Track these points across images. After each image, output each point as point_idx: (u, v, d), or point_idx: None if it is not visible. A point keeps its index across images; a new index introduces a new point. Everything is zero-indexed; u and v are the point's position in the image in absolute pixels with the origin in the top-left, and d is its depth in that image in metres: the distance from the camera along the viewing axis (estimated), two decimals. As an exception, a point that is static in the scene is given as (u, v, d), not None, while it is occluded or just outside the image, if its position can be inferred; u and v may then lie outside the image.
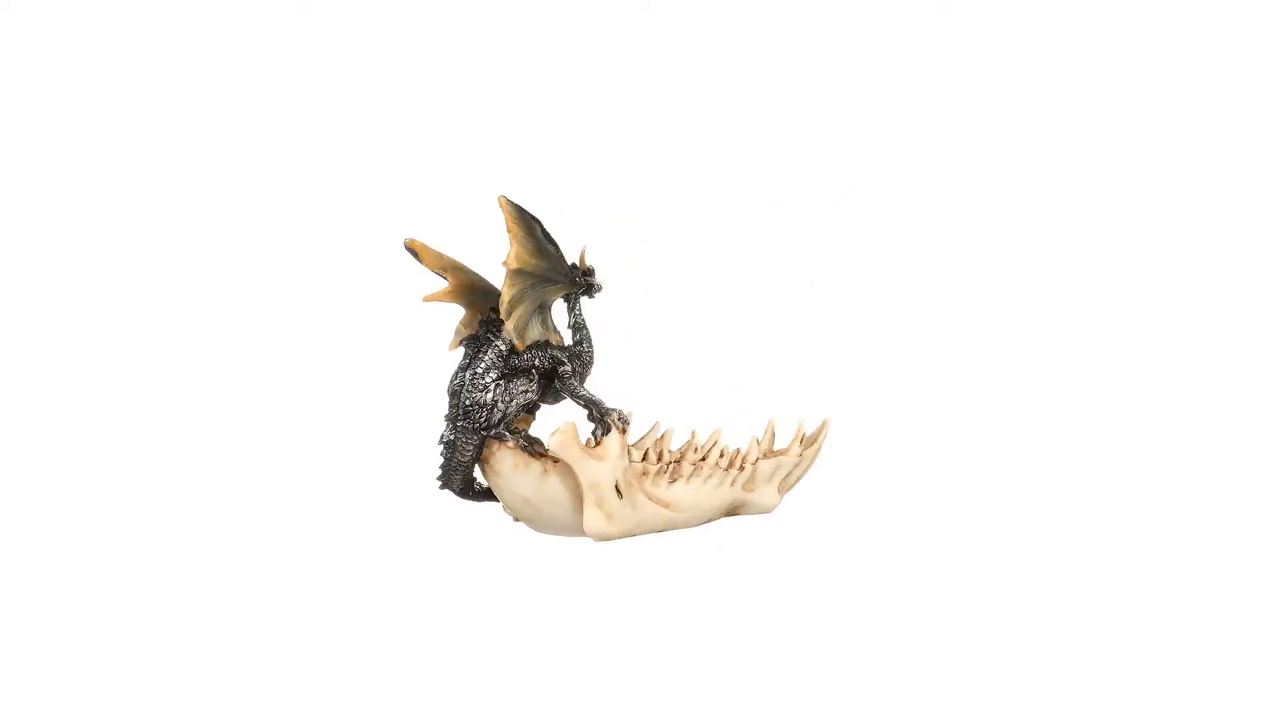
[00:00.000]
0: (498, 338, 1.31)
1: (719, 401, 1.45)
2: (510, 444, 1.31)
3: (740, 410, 1.41)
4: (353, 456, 1.50)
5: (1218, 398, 1.55)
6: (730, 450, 1.36)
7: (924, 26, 1.77)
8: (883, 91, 1.77)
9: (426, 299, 1.32)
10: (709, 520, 1.36)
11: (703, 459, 1.35)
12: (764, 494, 1.37)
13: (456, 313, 1.35)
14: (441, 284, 1.32)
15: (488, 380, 1.31)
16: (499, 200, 1.29)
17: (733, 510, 1.38)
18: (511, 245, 1.29)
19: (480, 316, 1.33)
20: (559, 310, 1.35)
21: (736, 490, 1.36)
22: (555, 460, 1.30)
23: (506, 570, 1.30)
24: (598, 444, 1.30)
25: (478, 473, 1.34)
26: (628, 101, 1.76)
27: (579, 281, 1.33)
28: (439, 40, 1.78)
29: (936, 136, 1.76)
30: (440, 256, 1.33)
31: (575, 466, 1.29)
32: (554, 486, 1.30)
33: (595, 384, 1.37)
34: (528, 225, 1.30)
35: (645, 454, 1.34)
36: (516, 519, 1.34)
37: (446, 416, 1.32)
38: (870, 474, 1.46)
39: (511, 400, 1.31)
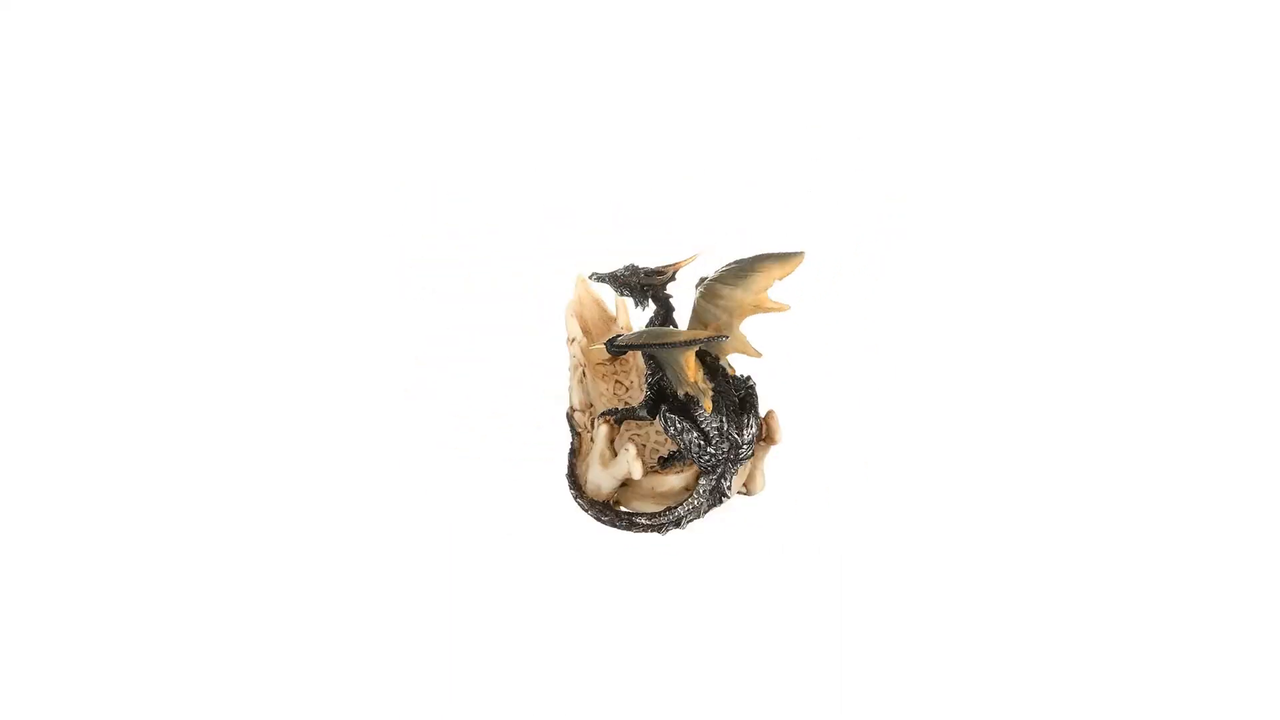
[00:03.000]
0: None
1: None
2: None
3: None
4: (349, 454, 1.49)
5: (1216, 397, 1.55)
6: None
7: (926, 27, 1.77)
8: (883, 90, 1.76)
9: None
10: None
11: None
12: None
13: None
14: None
15: None
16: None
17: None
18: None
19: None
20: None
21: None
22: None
23: (503, 565, 1.30)
24: None
25: None
26: (627, 103, 1.76)
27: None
28: (435, 38, 1.78)
29: (935, 136, 1.76)
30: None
31: None
32: None
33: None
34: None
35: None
36: None
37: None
38: (866, 475, 1.45)
39: None
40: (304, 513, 1.38)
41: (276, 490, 1.41)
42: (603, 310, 1.40)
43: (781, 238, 1.69)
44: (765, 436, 1.31)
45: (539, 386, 1.44)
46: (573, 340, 1.36)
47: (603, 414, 1.31)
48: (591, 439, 1.34)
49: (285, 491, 1.40)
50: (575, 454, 1.36)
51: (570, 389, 1.38)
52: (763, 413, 1.33)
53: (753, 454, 1.30)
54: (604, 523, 1.31)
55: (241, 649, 1.19)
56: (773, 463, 1.35)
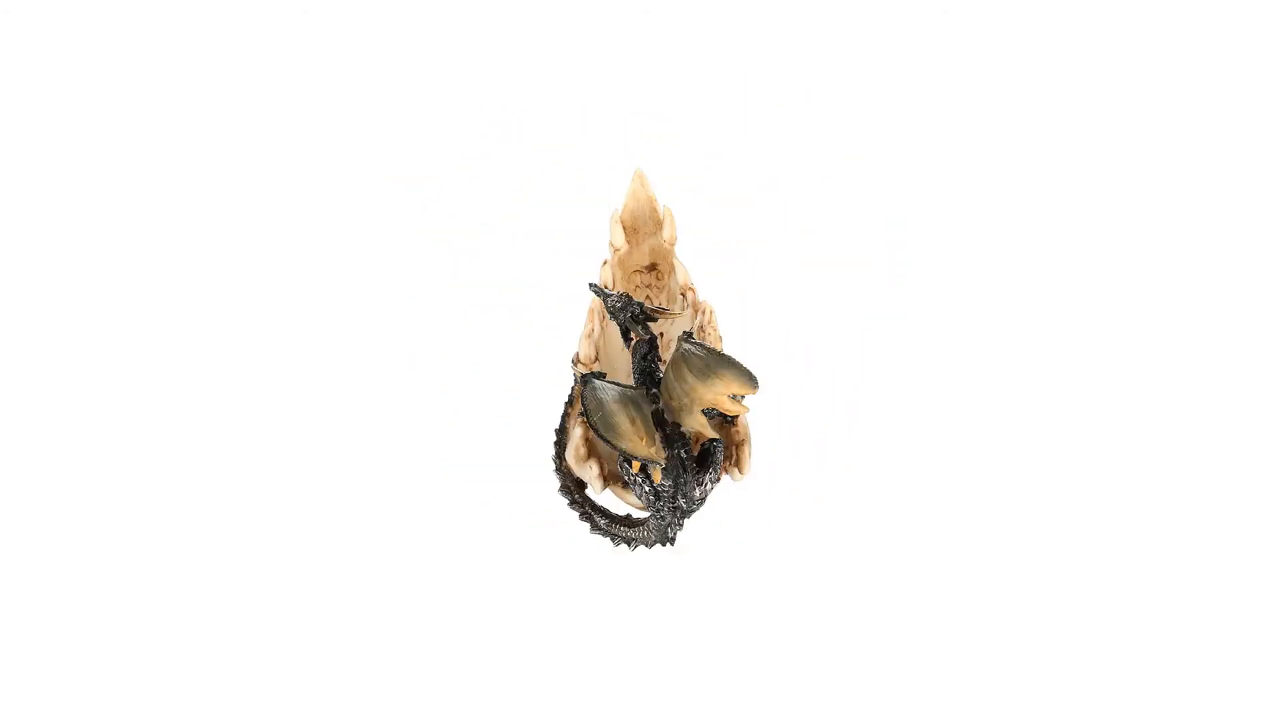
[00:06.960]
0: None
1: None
2: None
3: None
4: (347, 454, 1.50)
5: (1217, 396, 1.55)
6: None
7: (923, 29, 1.78)
8: (880, 90, 1.77)
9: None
10: None
11: None
12: None
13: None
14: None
15: None
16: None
17: None
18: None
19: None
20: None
21: None
22: None
23: (499, 568, 1.31)
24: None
25: None
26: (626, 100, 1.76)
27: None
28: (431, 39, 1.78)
29: (933, 136, 1.76)
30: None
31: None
32: None
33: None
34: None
35: None
36: None
37: None
38: (865, 472, 1.46)
39: None
40: (303, 513, 1.38)
41: (273, 489, 1.41)
42: (654, 211, 1.40)
43: (775, 238, 1.70)
44: (735, 463, 1.33)
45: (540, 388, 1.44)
46: (605, 263, 1.38)
47: (582, 377, 1.32)
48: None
49: (283, 491, 1.41)
50: (570, 405, 1.35)
51: (580, 338, 1.38)
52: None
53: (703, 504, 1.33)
54: (564, 496, 1.33)
55: (232, 645, 1.19)
56: (770, 464, 1.36)
